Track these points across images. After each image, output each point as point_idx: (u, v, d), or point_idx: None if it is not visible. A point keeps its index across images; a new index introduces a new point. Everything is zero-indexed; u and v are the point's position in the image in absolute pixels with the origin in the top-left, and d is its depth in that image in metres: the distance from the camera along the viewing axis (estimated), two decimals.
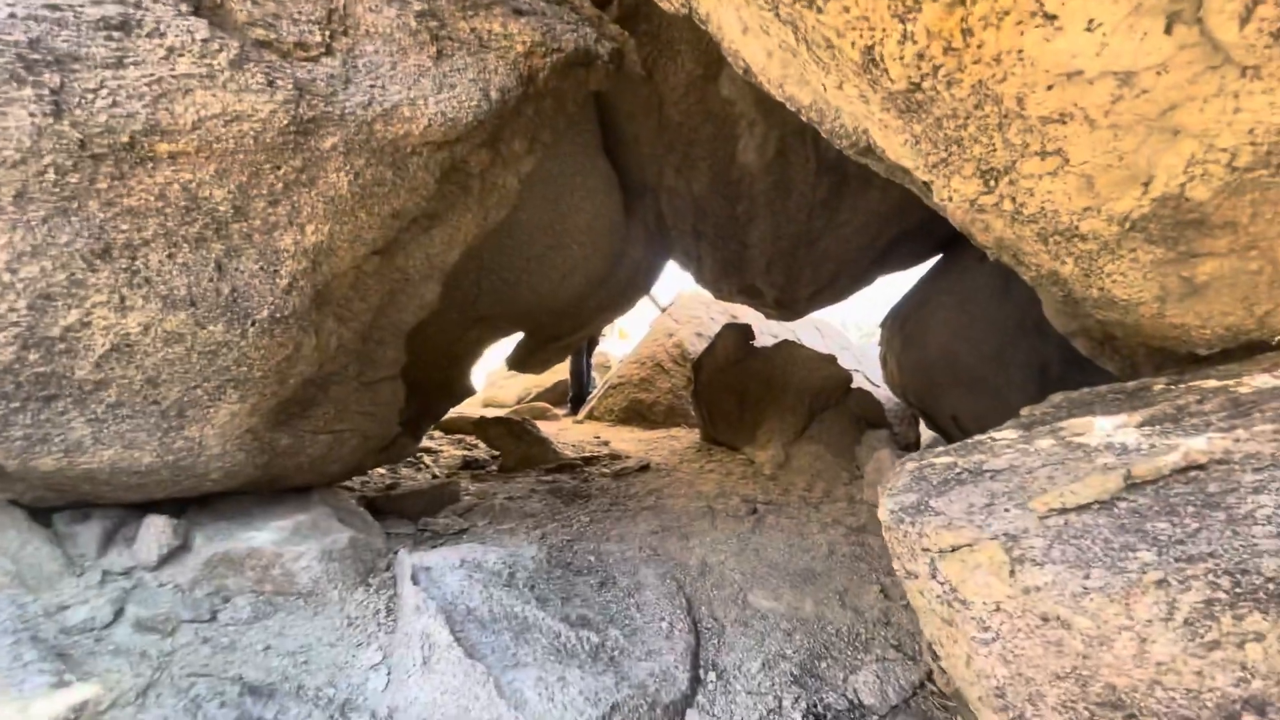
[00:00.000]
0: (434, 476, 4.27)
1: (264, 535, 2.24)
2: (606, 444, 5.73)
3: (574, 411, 8.46)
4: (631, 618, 2.58)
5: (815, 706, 2.17)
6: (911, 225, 5.73)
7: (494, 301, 4.03)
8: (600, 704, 1.90)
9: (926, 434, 6.89)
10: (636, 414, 7.15)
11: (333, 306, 2.31)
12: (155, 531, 2.14)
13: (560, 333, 4.84)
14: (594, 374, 9.35)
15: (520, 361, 4.72)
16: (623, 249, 4.44)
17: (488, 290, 3.92)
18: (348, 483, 3.73)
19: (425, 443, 5.26)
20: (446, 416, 5.52)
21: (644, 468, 4.63)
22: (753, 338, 6.02)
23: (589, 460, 4.92)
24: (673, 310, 8.94)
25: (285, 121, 1.92)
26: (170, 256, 1.88)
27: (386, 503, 3.47)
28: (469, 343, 4.32)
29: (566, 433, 6.28)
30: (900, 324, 6.54)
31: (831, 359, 5.68)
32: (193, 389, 2.05)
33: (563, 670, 1.99)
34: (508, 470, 4.61)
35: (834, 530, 3.53)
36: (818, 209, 5.29)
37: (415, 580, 2.15)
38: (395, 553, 2.54)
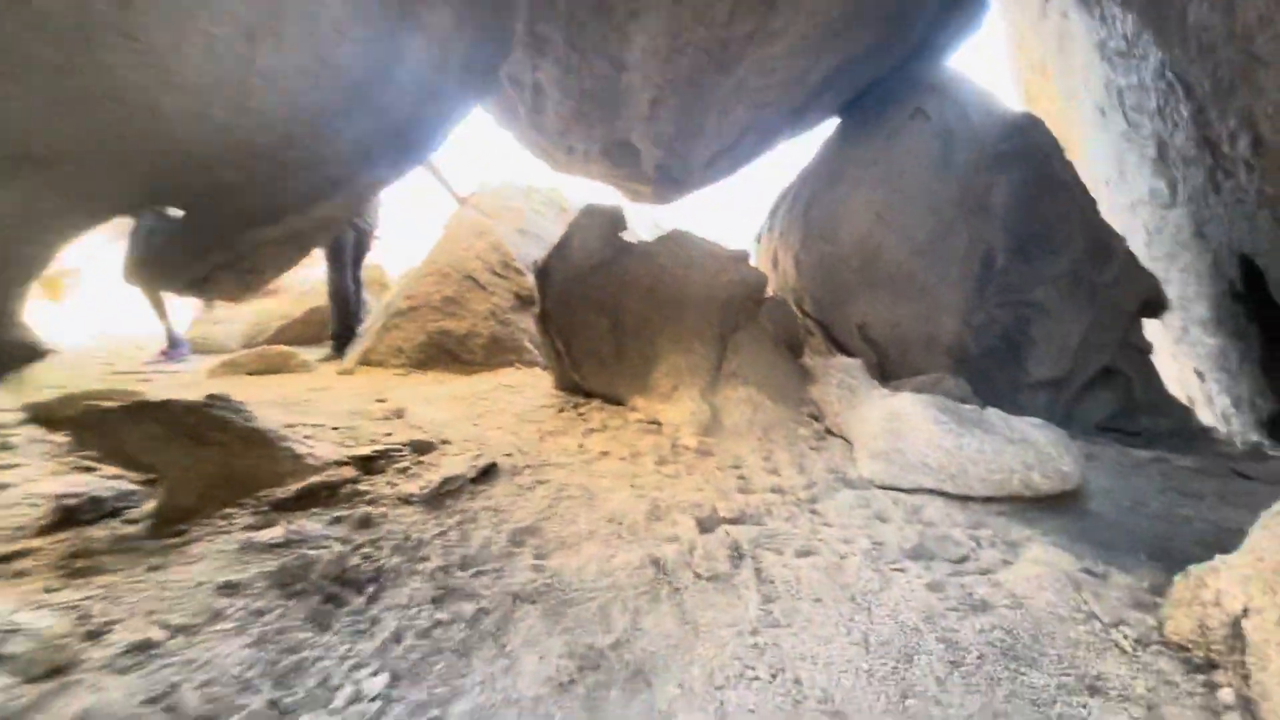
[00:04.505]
0: None
1: None
2: (400, 414, 3.33)
3: (338, 354, 5.66)
4: None
5: None
6: (858, 52, 3.90)
7: (47, 105, 1.36)
8: None
9: None
10: (444, 352, 4.70)
11: None
12: None
13: (262, 209, 2.24)
14: (365, 296, 6.50)
15: (166, 267, 2.04)
16: (396, 29, 1.94)
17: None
18: None
19: None
20: (39, 400, 2.61)
21: (487, 471, 2.43)
22: (623, 226, 3.94)
23: (370, 461, 2.54)
24: (476, 201, 6.35)
25: None
26: None
27: None
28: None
29: (324, 398, 3.69)
30: (802, 210, 4.95)
31: (741, 255, 3.87)
32: None
33: None
34: (179, 516, 2.08)
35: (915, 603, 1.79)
36: (745, 2, 3.20)
37: None
38: None
